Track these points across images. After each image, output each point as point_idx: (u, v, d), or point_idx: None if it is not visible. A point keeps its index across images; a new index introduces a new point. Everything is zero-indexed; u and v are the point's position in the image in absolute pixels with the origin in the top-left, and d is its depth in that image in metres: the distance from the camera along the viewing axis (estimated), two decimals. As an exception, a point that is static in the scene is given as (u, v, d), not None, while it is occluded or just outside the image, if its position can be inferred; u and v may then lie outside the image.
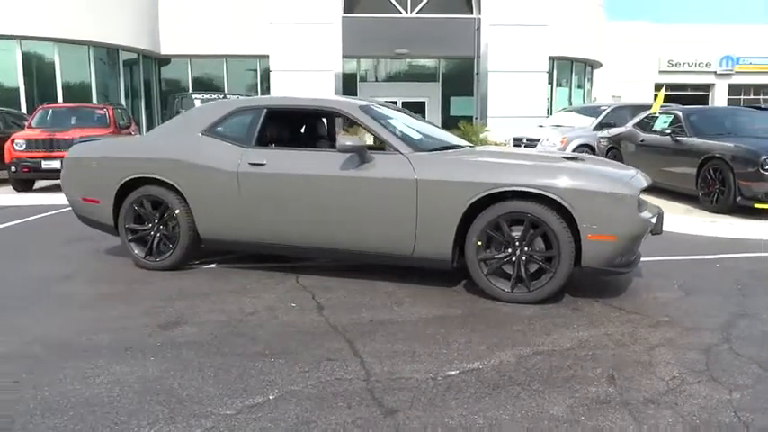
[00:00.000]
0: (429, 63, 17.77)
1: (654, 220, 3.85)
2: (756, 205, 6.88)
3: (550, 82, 17.85)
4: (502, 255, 3.82)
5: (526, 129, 13.85)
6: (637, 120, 10.08)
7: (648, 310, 3.70)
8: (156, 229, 4.65)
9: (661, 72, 27.24)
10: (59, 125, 10.88)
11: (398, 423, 2.29)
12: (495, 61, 15.38)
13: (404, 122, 4.53)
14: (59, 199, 9.01)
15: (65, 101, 15.23)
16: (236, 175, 4.29)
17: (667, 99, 23.90)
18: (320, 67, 15.12)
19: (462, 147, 4.53)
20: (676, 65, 27.14)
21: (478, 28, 15.46)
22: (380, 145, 4.30)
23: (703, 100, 27.14)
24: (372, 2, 15.51)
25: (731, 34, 26.87)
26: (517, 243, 3.79)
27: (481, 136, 14.85)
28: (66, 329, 3.31)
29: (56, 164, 10.04)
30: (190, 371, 2.76)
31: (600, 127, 12.14)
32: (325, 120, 5.58)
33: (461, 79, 17.37)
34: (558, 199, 3.63)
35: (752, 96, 27.45)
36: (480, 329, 3.33)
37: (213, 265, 4.84)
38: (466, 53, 16.12)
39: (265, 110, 4.48)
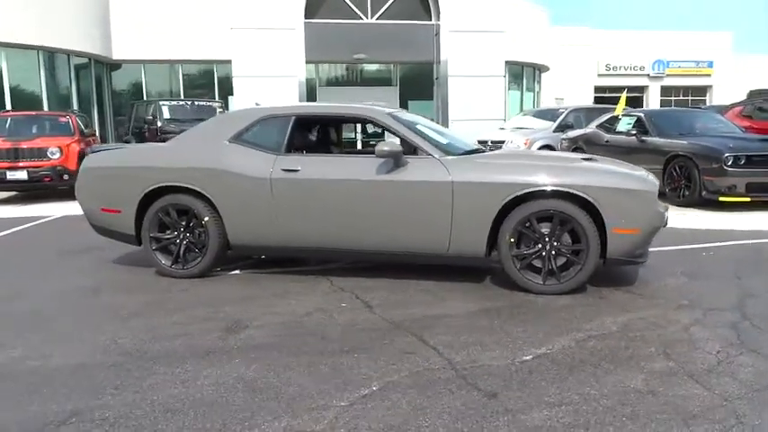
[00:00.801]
0: (387, 68, 18.07)
1: (666, 215, 4.24)
2: (720, 198, 7.51)
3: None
4: (533, 250, 4.11)
5: (487, 131, 14.38)
6: (599, 121, 10.70)
7: (666, 295, 4.07)
8: (182, 236, 4.67)
9: (600, 75, 28.74)
10: (21, 134, 10.45)
11: (504, 404, 2.50)
12: (454, 66, 15.86)
13: (428, 127, 4.75)
14: (26, 211, 8.70)
15: (13, 107, 14.53)
16: (270, 182, 4.39)
17: (604, 101, 25.16)
18: (284, 72, 15.12)
19: (482, 150, 4.79)
20: (613, 68, 28.70)
21: (437, 34, 15.89)
22: (410, 150, 4.50)
23: (638, 101, 28.78)
24: (333, 8, 15.66)
25: (662, 39, 28.68)
26: (547, 239, 4.08)
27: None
28: (131, 338, 3.34)
29: (21, 174, 9.70)
30: (282, 370, 2.87)
31: (560, 128, 12.79)
32: (334, 127, 5.73)
33: (419, 83, 17.76)
34: (587, 197, 3.95)
35: (681, 97, 29.39)
36: (529, 319, 3.59)
37: (237, 272, 4.89)
38: (424, 58, 16.52)
39: (294, 117, 4.60)
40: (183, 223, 4.66)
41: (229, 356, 3.05)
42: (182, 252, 4.67)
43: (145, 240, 4.72)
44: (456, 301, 3.99)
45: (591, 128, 10.77)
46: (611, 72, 28.74)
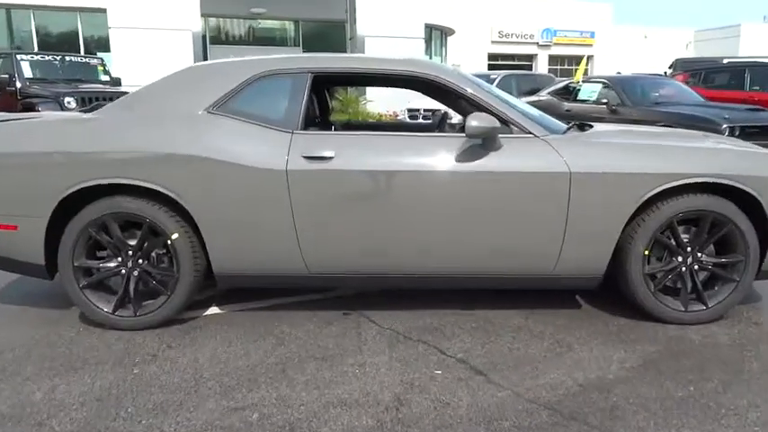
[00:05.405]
0: (289, 26, 16.10)
1: None
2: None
3: (411, 49, 17.26)
4: (672, 265, 2.96)
5: (418, 99, 13.12)
6: (552, 88, 9.90)
7: (823, 314, 3.13)
8: (132, 265, 2.93)
9: (493, 42, 28.57)
10: None
11: None
12: (371, 26, 14.33)
13: (501, 93, 3.34)
14: None
15: None
16: (285, 175, 2.79)
17: (497, 68, 25.05)
18: (174, 25, 12.66)
19: (577, 125, 3.51)
20: (506, 36, 28.67)
21: (351, -11, 14.27)
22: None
23: (528, 68, 29.07)
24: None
25: (551, 9, 29.08)
26: (689, 248, 2.95)
27: (361, 107, 13.77)
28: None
29: None
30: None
31: (495, 96, 11.92)
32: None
33: (327, 43, 16.04)
34: (752, 191, 2.85)
35: (566, 66, 30.16)
36: (724, 379, 2.43)
37: (216, 310, 3.26)
38: (334, 16, 14.80)
39: (310, 75, 3.00)
40: (132, 244, 2.92)
41: None
42: (131, 289, 2.94)
43: (65, 273, 2.91)
44: (585, 346, 2.74)
45: (543, 95, 9.93)
46: (504, 39, 28.71)
